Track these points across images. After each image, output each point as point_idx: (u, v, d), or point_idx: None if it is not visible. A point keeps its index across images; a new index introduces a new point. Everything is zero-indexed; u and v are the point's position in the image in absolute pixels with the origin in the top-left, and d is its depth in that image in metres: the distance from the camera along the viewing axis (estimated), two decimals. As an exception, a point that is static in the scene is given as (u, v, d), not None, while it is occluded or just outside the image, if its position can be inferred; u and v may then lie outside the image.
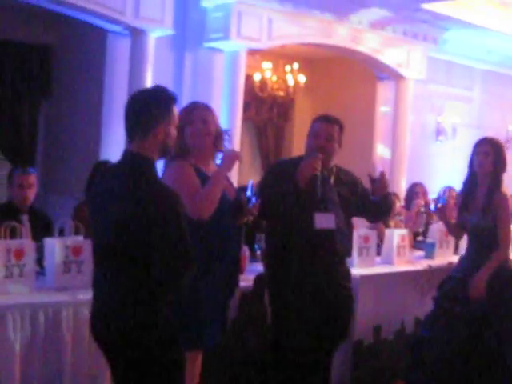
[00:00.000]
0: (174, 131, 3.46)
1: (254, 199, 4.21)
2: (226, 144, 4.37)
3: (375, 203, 4.85)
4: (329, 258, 4.67)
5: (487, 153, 5.26)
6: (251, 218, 4.35)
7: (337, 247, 4.67)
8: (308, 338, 4.67)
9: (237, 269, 4.35)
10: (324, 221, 4.56)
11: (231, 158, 4.17)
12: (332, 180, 4.76)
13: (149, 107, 3.41)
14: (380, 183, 4.79)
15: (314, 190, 4.50)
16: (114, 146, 7.98)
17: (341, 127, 4.77)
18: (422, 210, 7.12)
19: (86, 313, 4.19)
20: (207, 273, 4.09)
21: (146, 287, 3.28)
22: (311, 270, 4.63)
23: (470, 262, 5.31)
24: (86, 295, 4.27)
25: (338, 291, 4.74)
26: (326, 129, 4.69)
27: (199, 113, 4.26)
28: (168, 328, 3.34)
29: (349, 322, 4.89)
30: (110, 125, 8.11)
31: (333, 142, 4.70)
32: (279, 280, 4.75)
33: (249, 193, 4.23)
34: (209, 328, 4.15)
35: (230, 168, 4.17)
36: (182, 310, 4.03)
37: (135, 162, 3.38)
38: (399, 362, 5.59)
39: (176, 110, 3.49)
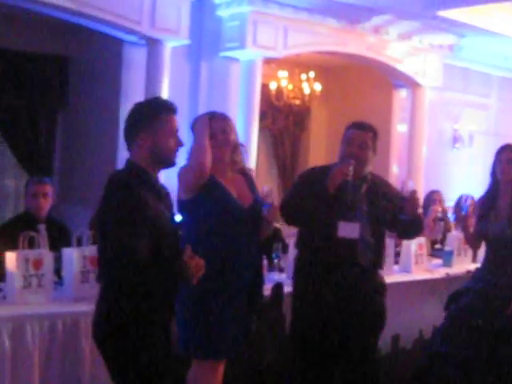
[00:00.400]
0: (167, 141, 3.45)
1: (265, 205, 4.20)
2: (244, 156, 4.39)
3: (404, 221, 4.64)
4: (350, 268, 4.53)
5: (511, 160, 5.15)
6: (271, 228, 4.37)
7: (358, 258, 4.52)
8: (326, 355, 4.60)
9: (258, 280, 4.31)
10: (348, 230, 4.43)
11: (200, 123, 4.19)
12: (364, 189, 4.61)
13: (134, 117, 3.46)
14: (410, 203, 4.57)
15: (344, 196, 4.40)
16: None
17: (375, 134, 4.63)
18: (439, 215, 7.08)
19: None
20: (224, 283, 4.10)
21: (111, 294, 3.33)
22: (332, 281, 4.51)
23: (491, 273, 5.16)
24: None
25: (364, 304, 4.56)
26: (360, 136, 4.56)
27: (219, 124, 4.25)
28: (130, 338, 3.32)
29: (374, 339, 4.71)
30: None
31: (366, 150, 4.56)
32: (301, 289, 4.67)
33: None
34: (229, 339, 4.15)
35: (203, 131, 4.14)
36: (201, 321, 4.08)
37: (125, 169, 3.47)
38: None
39: (171, 119, 3.49)
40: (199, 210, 4.15)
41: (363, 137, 4.57)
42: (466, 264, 6.46)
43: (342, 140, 4.62)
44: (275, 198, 4.41)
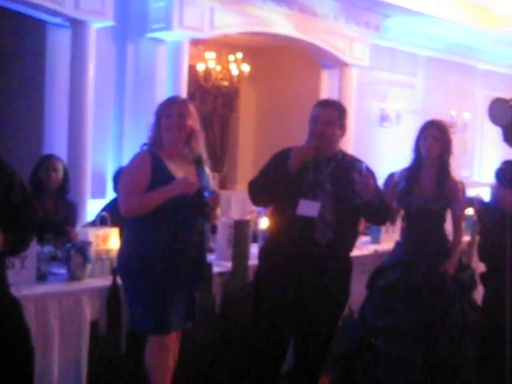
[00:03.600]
0: None
1: (207, 192, 4.28)
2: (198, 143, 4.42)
3: (359, 206, 4.42)
4: (310, 247, 4.41)
5: (436, 137, 5.22)
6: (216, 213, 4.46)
7: (316, 236, 4.41)
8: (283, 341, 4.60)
9: (201, 258, 4.41)
10: (307, 208, 4.35)
11: (183, 185, 4.17)
12: (331, 167, 4.48)
13: None
14: (359, 186, 4.32)
15: (304, 177, 4.37)
16: (57, 139, 7.91)
17: (341, 111, 4.54)
18: None
19: (31, 308, 4.13)
20: (169, 262, 4.21)
21: None
22: (293, 259, 4.44)
23: (415, 246, 5.32)
24: (30, 290, 4.24)
25: (324, 284, 4.47)
26: (324, 113, 4.46)
27: (177, 107, 4.32)
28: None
29: (331, 320, 4.65)
30: (53, 118, 8.03)
31: (332, 127, 4.46)
32: (265, 266, 4.65)
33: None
34: (172, 314, 4.25)
35: (177, 193, 4.15)
36: (149, 298, 4.21)
37: None
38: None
39: None
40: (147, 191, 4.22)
41: (327, 114, 4.47)
42: (393, 240, 6.51)
43: (309, 119, 4.53)
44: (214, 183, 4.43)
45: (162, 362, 4.34)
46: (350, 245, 4.65)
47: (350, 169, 4.38)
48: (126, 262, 4.33)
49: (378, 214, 4.65)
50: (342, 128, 4.55)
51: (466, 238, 6.31)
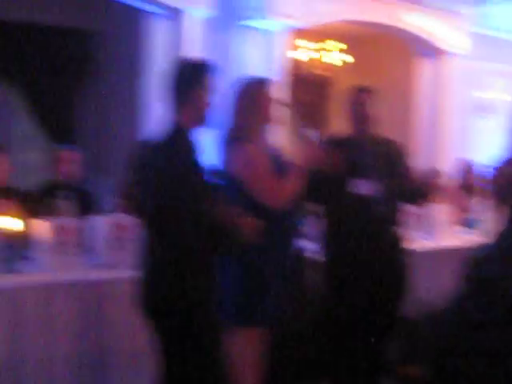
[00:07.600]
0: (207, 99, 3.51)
1: None
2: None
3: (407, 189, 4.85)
4: (368, 225, 4.60)
5: None
6: None
7: (373, 213, 4.59)
8: (358, 317, 4.65)
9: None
10: (362, 187, 4.56)
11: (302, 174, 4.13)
12: (372, 148, 4.74)
13: (189, 75, 3.53)
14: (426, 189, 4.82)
15: (352, 160, 4.54)
16: (153, 128, 8.01)
17: None
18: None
19: (126, 289, 4.17)
20: (271, 252, 4.06)
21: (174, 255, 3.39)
22: (355, 240, 4.59)
23: None
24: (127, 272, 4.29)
25: (385, 262, 4.64)
26: (367, 98, 4.79)
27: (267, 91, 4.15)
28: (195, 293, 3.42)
29: (396, 299, 4.75)
30: (150, 105, 8.10)
31: None
32: (332, 256, 4.76)
33: None
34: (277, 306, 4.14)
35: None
36: (259, 289, 4.04)
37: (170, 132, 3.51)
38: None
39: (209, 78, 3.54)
40: None
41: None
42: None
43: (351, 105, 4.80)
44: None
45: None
46: (398, 220, 4.81)
47: (385, 147, 4.77)
48: None
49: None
50: None
51: None
